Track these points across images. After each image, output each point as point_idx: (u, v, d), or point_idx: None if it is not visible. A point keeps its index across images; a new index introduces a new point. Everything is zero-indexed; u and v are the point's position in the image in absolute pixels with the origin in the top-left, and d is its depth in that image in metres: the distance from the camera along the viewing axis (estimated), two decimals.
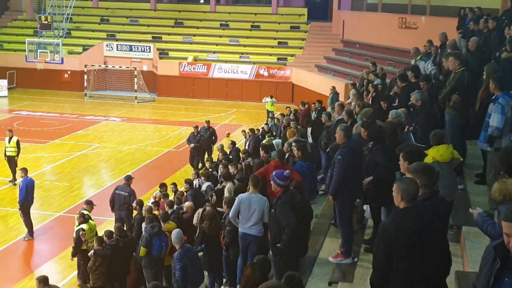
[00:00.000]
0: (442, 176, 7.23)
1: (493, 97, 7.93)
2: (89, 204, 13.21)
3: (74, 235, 12.35)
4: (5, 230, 15.97)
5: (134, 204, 13.28)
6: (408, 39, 26.68)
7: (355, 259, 8.42)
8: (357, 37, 33.80)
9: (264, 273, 5.66)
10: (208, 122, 21.21)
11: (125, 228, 12.45)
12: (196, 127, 20.60)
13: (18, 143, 19.51)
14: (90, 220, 12.43)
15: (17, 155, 19.61)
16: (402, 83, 11.79)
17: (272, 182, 8.14)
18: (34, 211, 17.55)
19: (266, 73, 35.38)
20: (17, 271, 13.60)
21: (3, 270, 13.67)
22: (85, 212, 12.58)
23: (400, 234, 4.65)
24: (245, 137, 19.68)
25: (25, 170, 15.67)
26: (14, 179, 19.54)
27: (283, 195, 7.84)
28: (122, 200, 14.46)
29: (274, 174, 8.24)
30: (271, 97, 28.50)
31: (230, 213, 8.83)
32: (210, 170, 14.97)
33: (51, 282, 11.37)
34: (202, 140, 20.03)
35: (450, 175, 7.43)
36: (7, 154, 19.44)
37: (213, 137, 20.64)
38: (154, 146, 24.86)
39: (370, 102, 13.83)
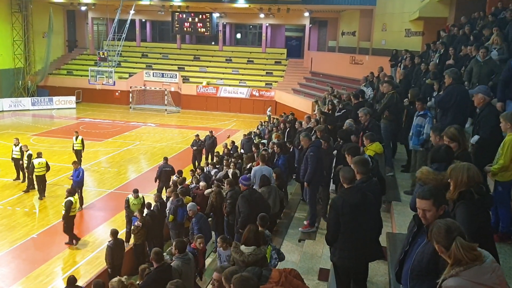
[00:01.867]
0: (380, 164, 7.31)
1: (422, 113, 7.82)
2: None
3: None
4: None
5: (174, 177, 13.31)
6: (356, 71, 26.73)
7: (316, 226, 8.43)
8: (321, 69, 33.81)
9: (257, 230, 5.57)
10: (211, 132, 20.23)
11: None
12: (197, 135, 19.58)
13: (82, 140, 19.38)
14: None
15: (83, 149, 19.52)
16: (355, 101, 11.74)
17: (240, 184, 8.30)
18: (93, 188, 17.57)
19: (257, 94, 35.30)
20: (80, 230, 13.46)
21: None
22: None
23: (344, 206, 4.75)
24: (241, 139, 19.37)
25: (76, 163, 15.38)
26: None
27: (245, 192, 7.98)
28: (169, 173, 15.07)
29: (241, 178, 8.53)
30: (270, 107, 28.84)
31: (251, 177, 9.01)
32: (211, 166, 14.74)
33: (105, 238, 11.39)
34: (203, 145, 19.11)
35: (381, 163, 7.53)
36: (75, 148, 19.33)
37: (215, 144, 19.65)
38: (178, 144, 24.81)
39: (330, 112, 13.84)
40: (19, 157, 17.15)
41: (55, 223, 13.99)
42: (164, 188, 14.96)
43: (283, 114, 21.41)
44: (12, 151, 17.31)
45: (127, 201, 12.29)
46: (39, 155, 15.84)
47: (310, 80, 34.61)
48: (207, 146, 19.30)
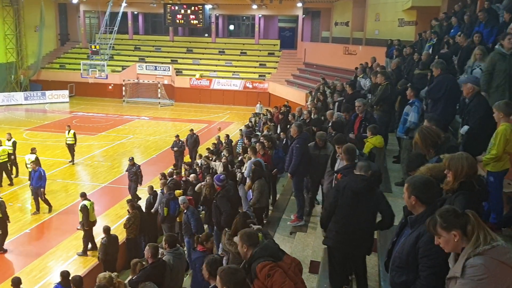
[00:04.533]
0: (377, 157, 7.28)
1: (410, 101, 7.81)
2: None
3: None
4: (65, 196, 15.80)
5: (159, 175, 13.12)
6: (350, 62, 26.65)
7: (305, 219, 8.36)
8: (315, 60, 33.67)
9: (245, 220, 5.59)
10: (192, 130, 19.12)
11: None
12: (177, 136, 18.60)
13: (74, 134, 19.21)
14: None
15: (75, 143, 19.36)
16: (351, 90, 11.60)
17: (214, 183, 8.50)
18: (86, 182, 17.47)
19: (250, 86, 35.16)
20: (73, 224, 13.34)
21: (64, 223, 13.54)
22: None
23: (346, 189, 4.79)
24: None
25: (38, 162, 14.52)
26: (72, 160, 19.34)
27: (222, 191, 8.24)
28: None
29: (215, 177, 8.71)
30: (260, 102, 28.36)
31: (246, 171, 9.23)
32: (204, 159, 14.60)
33: (98, 232, 11.31)
34: (183, 146, 18.14)
35: (380, 156, 7.50)
36: (67, 142, 19.19)
37: (197, 142, 18.84)
38: (172, 137, 24.54)
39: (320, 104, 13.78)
40: (11, 151, 16.98)
41: (47, 218, 13.93)
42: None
43: (277, 107, 21.24)
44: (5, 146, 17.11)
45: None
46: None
47: (303, 71, 34.48)
48: (190, 145, 18.55)
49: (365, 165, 5.01)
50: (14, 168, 17.27)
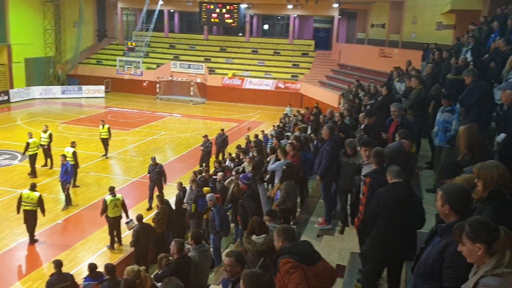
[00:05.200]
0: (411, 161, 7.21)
1: (449, 108, 7.55)
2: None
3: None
4: (98, 188, 16.19)
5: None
6: (385, 64, 26.25)
7: (332, 222, 8.29)
8: (349, 62, 33.35)
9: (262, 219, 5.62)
10: (222, 130, 19.20)
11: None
12: (206, 136, 18.11)
13: (109, 129, 19.69)
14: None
15: (109, 138, 19.83)
16: (386, 92, 11.41)
17: (239, 182, 8.47)
18: (119, 176, 17.87)
19: (282, 86, 35.14)
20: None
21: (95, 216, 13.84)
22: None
23: (388, 202, 4.70)
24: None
25: (65, 157, 14.63)
26: (106, 154, 19.81)
27: (247, 190, 8.23)
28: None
29: (241, 176, 8.75)
30: (290, 105, 27.97)
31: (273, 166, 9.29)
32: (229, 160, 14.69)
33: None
34: (210, 147, 17.90)
35: (412, 162, 7.42)
36: (101, 137, 19.68)
37: (225, 142, 18.82)
38: (202, 134, 24.89)
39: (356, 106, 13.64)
40: (45, 143, 17.55)
41: (79, 210, 14.32)
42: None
43: (308, 108, 21.12)
44: (41, 138, 17.71)
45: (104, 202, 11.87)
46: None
47: (337, 72, 34.18)
48: (218, 144, 18.58)
49: (398, 170, 4.89)
50: (48, 160, 17.83)
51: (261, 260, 4.02)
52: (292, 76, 36.12)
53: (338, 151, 7.88)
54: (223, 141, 18.65)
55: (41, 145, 17.63)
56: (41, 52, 36.38)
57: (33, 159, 16.82)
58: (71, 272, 8.85)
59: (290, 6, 37.03)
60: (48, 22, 36.72)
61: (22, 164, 18.11)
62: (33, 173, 16.76)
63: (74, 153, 15.60)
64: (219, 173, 11.88)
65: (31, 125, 24.76)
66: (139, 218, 10.52)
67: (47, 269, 10.64)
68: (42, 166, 17.70)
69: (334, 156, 7.86)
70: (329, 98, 28.90)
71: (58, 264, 8.26)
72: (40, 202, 11.87)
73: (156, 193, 14.04)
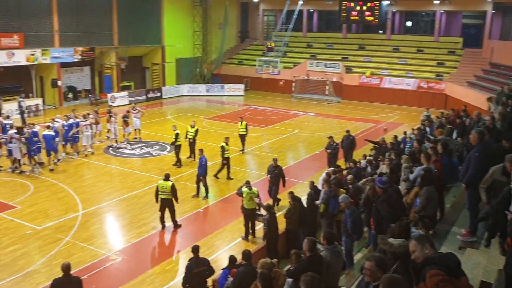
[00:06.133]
0: None
1: None
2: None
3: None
4: (234, 181, 16.99)
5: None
6: None
7: (477, 235, 7.58)
8: (503, 61, 30.19)
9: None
10: (348, 131, 18.47)
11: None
12: (331, 137, 17.60)
13: (246, 126, 20.63)
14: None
15: (246, 134, 20.79)
16: None
17: (375, 185, 8.20)
18: (253, 171, 18.59)
19: (425, 86, 33.21)
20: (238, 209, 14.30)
21: (231, 207, 14.63)
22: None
23: None
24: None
25: (202, 151, 15.47)
26: (243, 149, 20.78)
27: (383, 195, 7.89)
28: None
29: (377, 179, 8.43)
30: (427, 110, 25.92)
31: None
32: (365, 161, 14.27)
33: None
34: (337, 148, 17.42)
35: None
36: (239, 133, 20.69)
37: (353, 144, 18.07)
38: (336, 134, 24.63)
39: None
40: (191, 137, 19.03)
41: (217, 200, 15.27)
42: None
43: (454, 109, 19.60)
44: (187, 131, 19.26)
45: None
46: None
47: (489, 72, 31.16)
48: (345, 147, 17.93)
49: None
50: (193, 153, 19.30)
51: (396, 264, 3.87)
52: (437, 75, 33.92)
53: (487, 159, 7.21)
54: (350, 142, 17.96)
55: (188, 138, 19.15)
56: (189, 53, 39.57)
57: (178, 149, 18.40)
58: (208, 258, 9.45)
59: (436, 2, 34.84)
60: (197, 24, 39.74)
61: (170, 155, 19.93)
62: (178, 162, 18.37)
63: (222, 148, 16.87)
64: (349, 176, 11.67)
65: (178, 120, 27.08)
66: (268, 207, 11.00)
67: (187, 254, 11.54)
68: (187, 158, 19.23)
69: (482, 163, 7.20)
70: (478, 100, 26.45)
71: (196, 249, 8.81)
72: (173, 190, 12.71)
73: (284, 191, 14.13)
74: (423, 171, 8.41)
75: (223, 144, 17.03)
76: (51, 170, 17.63)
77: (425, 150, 10.50)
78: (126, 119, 21.54)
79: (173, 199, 12.81)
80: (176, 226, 13.09)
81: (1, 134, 18.65)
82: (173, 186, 12.73)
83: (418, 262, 3.79)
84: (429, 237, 3.94)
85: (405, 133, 17.85)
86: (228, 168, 17.23)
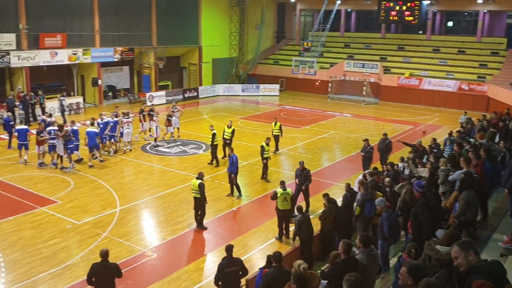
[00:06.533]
0: None
1: None
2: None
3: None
4: (269, 182, 17.05)
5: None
6: None
7: None
8: None
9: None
10: (385, 134, 18.13)
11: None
12: (367, 140, 17.35)
13: (280, 126, 20.59)
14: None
15: (281, 135, 20.75)
16: None
17: (414, 189, 8.06)
18: (287, 171, 18.50)
19: (466, 88, 32.23)
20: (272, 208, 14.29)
21: (266, 207, 14.63)
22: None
23: None
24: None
25: (232, 149, 15.70)
26: (277, 149, 20.73)
27: (421, 199, 7.77)
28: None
29: (415, 183, 8.27)
30: (465, 113, 24.96)
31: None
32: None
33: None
34: (371, 152, 17.00)
35: None
36: (274, 133, 20.66)
37: (389, 148, 17.60)
38: (373, 136, 24.27)
39: None
40: (228, 137, 19.14)
41: (252, 200, 15.31)
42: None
43: (496, 112, 18.96)
44: (224, 131, 19.40)
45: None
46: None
47: None
48: (380, 150, 17.57)
49: None
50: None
51: (440, 272, 3.78)
52: (479, 77, 32.88)
53: None
54: (386, 146, 17.57)
55: (224, 138, 19.28)
56: (226, 53, 39.87)
57: (215, 149, 18.55)
58: (242, 258, 9.50)
59: (480, 1, 33.82)
60: (234, 25, 39.99)
61: (205, 154, 20.15)
62: (215, 162, 18.57)
63: (262, 147, 17.04)
64: (387, 179, 11.46)
65: (214, 119, 27.33)
66: (299, 208, 10.93)
67: (221, 252, 11.63)
68: (222, 158, 19.37)
69: None
70: None
71: (230, 248, 8.81)
72: (200, 189, 12.62)
73: (319, 193, 13.96)
74: (464, 175, 8.18)
75: (263, 144, 17.10)
76: (91, 166, 18.13)
77: (466, 153, 10.19)
78: (170, 118, 21.91)
79: (202, 200, 12.77)
80: (200, 227, 12.97)
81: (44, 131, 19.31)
82: (200, 185, 12.64)
83: (462, 270, 3.68)
84: (473, 244, 3.82)
85: (450, 134, 17.33)
86: (266, 169, 17.25)
